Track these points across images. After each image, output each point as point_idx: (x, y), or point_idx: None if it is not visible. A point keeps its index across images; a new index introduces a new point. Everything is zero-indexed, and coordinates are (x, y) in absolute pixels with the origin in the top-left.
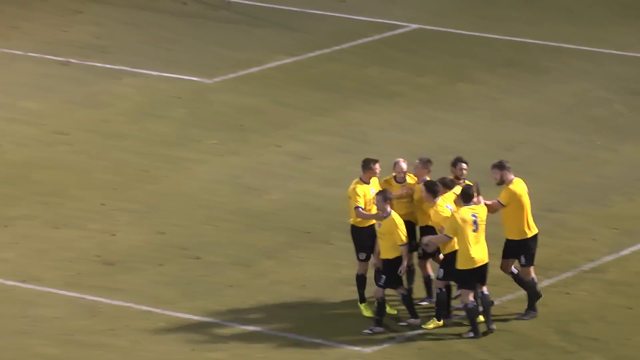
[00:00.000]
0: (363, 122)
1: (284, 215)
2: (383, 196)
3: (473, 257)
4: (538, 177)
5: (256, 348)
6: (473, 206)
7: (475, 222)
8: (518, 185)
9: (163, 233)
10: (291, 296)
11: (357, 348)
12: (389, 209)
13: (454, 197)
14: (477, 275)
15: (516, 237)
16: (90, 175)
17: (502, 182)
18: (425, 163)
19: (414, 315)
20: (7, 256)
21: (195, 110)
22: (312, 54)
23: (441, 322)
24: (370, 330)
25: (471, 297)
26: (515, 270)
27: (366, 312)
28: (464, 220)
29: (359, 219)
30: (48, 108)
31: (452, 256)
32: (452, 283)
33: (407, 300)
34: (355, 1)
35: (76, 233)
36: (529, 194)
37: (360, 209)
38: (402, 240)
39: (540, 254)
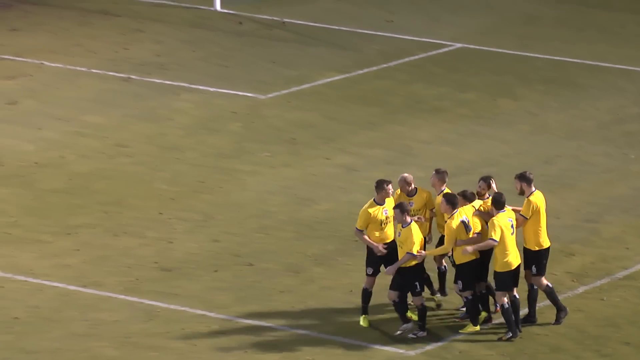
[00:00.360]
0: (408, 136)
1: (332, 224)
2: (400, 209)
3: (511, 260)
4: (574, 188)
5: (305, 350)
6: (507, 212)
7: (512, 226)
8: (538, 198)
9: (218, 241)
10: (339, 301)
11: (401, 350)
12: (408, 219)
13: (472, 210)
14: (514, 278)
15: (532, 248)
16: (149, 186)
17: (523, 192)
18: (441, 174)
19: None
20: (70, 262)
21: (250, 124)
22: (361, 71)
23: (477, 327)
24: (415, 334)
25: (506, 299)
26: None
27: (364, 323)
28: (504, 226)
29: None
30: (110, 122)
31: (465, 267)
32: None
33: (422, 311)
34: (403, 21)
35: (135, 241)
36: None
37: (357, 230)
38: (413, 249)
39: (576, 262)
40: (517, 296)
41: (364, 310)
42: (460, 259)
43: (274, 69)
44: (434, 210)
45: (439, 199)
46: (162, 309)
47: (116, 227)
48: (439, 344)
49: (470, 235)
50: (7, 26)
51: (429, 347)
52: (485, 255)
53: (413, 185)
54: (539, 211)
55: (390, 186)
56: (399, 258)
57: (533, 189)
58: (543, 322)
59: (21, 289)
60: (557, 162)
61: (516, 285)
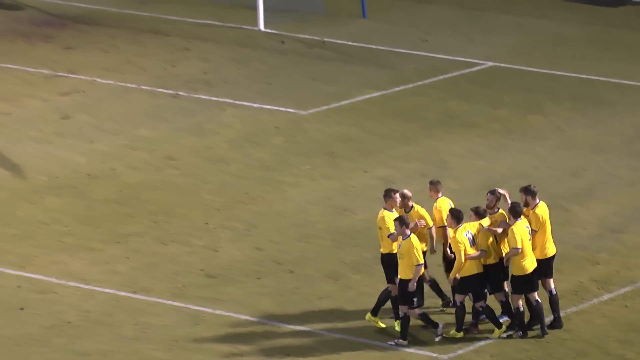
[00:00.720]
0: (443, 150)
1: (370, 233)
2: (400, 221)
3: (527, 265)
4: (600, 200)
5: (343, 354)
6: (523, 220)
7: (529, 232)
8: (542, 209)
9: (261, 249)
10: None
11: (434, 354)
12: (407, 232)
13: (477, 226)
14: (531, 282)
15: (539, 256)
16: (196, 196)
17: (527, 204)
18: (435, 184)
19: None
20: (120, 269)
21: (292, 138)
22: (397, 88)
23: (502, 329)
24: (395, 342)
25: (521, 302)
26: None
27: (398, 327)
28: (522, 232)
29: (393, 247)
30: (159, 135)
31: (469, 279)
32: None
33: (424, 317)
34: (437, 41)
35: (182, 249)
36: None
37: (393, 235)
38: (418, 261)
39: (601, 270)
40: (539, 300)
41: (397, 315)
42: (466, 272)
43: (315, 86)
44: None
45: (434, 207)
46: (208, 313)
47: (164, 235)
48: (471, 347)
49: (475, 252)
50: (62, 45)
51: (461, 351)
52: (499, 266)
53: (411, 203)
54: (544, 222)
55: (397, 195)
56: (399, 269)
57: (537, 201)
58: (570, 327)
59: (74, 295)
60: (584, 174)
61: (536, 289)
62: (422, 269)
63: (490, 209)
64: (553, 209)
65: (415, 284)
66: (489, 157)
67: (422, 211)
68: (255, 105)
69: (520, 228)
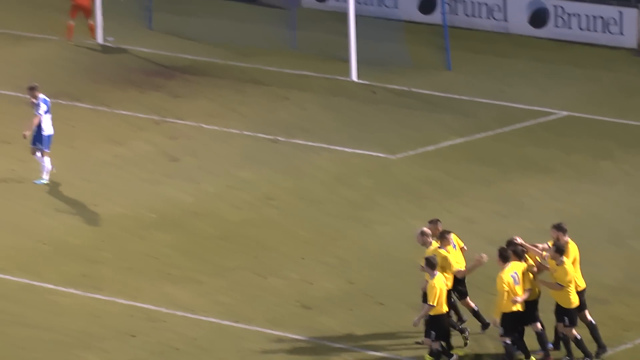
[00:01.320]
0: (520, 193)
1: None
2: (427, 261)
3: (575, 299)
4: None
5: None
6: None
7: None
8: (572, 246)
9: (353, 282)
10: (458, 335)
11: None
12: (435, 272)
13: (523, 267)
14: (577, 312)
15: None
16: (293, 233)
17: (558, 240)
18: (434, 223)
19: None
20: (223, 300)
21: (381, 181)
22: (478, 135)
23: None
24: None
25: (575, 332)
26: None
27: (461, 352)
28: (570, 269)
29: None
30: (259, 177)
31: (510, 316)
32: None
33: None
34: (515, 91)
35: (280, 281)
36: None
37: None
38: (430, 301)
39: None
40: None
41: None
42: (506, 308)
43: (403, 132)
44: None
45: (434, 245)
46: (304, 341)
47: (264, 269)
48: None
49: (522, 292)
50: (171, 93)
51: None
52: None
53: (430, 239)
54: (575, 259)
55: (451, 236)
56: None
57: (567, 238)
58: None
59: (181, 323)
60: None
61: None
62: (430, 310)
63: (535, 246)
64: (621, 248)
65: (420, 320)
66: (563, 199)
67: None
68: (347, 149)
69: (569, 263)
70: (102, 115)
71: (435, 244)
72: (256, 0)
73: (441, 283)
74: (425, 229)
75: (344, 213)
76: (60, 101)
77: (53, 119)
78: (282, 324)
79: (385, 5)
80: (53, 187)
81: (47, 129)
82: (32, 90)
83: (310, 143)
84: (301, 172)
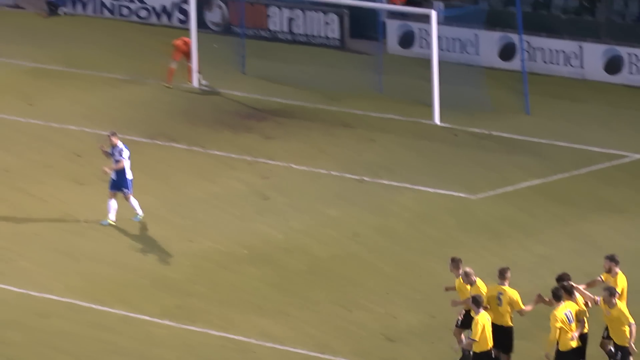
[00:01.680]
0: (595, 232)
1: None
2: (473, 299)
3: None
4: None
5: None
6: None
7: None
8: (622, 278)
9: (434, 316)
10: None
11: None
12: (480, 309)
13: (575, 307)
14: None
15: None
16: (378, 269)
17: (609, 271)
18: (455, 262)
19: None
20: (311, 332)
21: (462, 219)
22: (555, 177)
23: None
24: None
25: None
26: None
27: None
28: (625, 309)
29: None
30: (346, 215)
31: (569, 353)
32: None
33: None
34: (590, 135)
35: (366, 315)
36: None
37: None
38: (474, 336)
39: None
40: None
41: None
42: (564, 346)
43: (483, 173)
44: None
45: (479, 283)
46: None
47: (350, 303)
48: None
49: (576, 329)
50: (263, 135)
51: None
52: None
53: (473, 277)
54: (623, 291)
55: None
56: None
57: (618, 269)
58: None
59: (271, 354)
60: None
61: None
62: (472, 344)
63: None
64: None
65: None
66: (637, 238)
67: (483, 288)
68: (430, 189)
69: (623, 305)
70: (197, 155)
71: (480, 281)
72: (344, 46)
73: (485, 320)
74: (469, 269)
75: (427, 250)
76: (157, 142)
77: (151, 159)
78: (367, 355)
79: (467, 52)
80: (149, 223)
81: (129, 173)
82: (112, 136)
83: (395, 183)
84: (386, 210)
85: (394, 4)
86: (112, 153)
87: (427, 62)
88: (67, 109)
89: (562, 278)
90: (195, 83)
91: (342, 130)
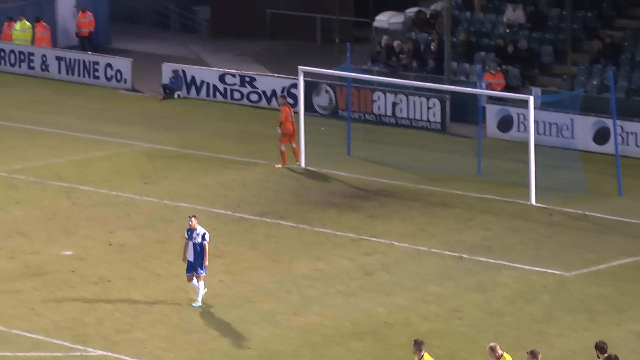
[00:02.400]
0: None
1: None
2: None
3: None
4: None
5: None
6: None
7: None
8: None
9: None
10: None
11: None
12: None
13: None
14: None
15: None
16: (477, 343)
17: None
18: (417, 345)
19: None
20: None
21: (557, 296)
22: None
23: None
24: None
25: None
26: None
27: None
28: None
29: None
30: (446, 291)
31: None
32: None
33: None
34: None
35: None
36: None
37: None
38: None
39: None
40: None
41: None
42: None
43: (578, 252)
44: None
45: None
46: None
47: None
48: None
49: None
50: (366, 213)
51: None
52: None
53: (499, 351)
54: None
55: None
56: None
57: None
58: None
59: None
60: None
61: None
62: None
63: None
64: None
65: None
66: None
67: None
68: (526, 267)
69: None
70: (303, 232)
71: (507, 355)
72: (445, 130)
73: None
74: (494, 344)
75: (524, 325)
76: (266, 219)
77: (260, 235)
78: None
79: (563, 136)
80: (257, 297)
81: (207, 258)
82: (191, 219)
83: (492, 260)
84: (484, 287)
85: (494, 89)
86: (188, 237)
87: (525, 145)
88: (181, 187)
89: (599, 347)
90: (302, 164)
91: (442, 210)
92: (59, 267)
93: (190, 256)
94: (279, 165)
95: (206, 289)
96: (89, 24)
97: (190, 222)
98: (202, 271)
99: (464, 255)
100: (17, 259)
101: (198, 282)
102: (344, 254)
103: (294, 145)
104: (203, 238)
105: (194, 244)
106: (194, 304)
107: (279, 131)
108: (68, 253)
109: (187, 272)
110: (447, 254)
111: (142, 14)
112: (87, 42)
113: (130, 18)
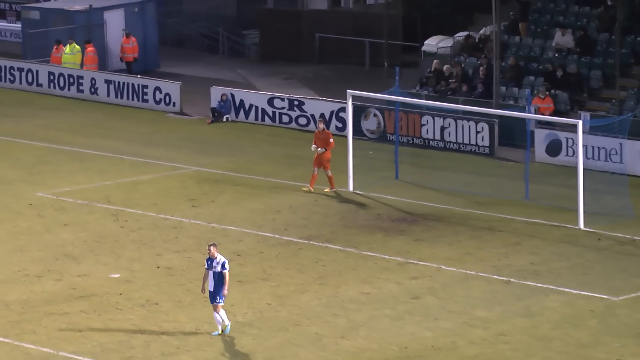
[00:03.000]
0: None
1: None
2: None
3: None
4: None
5: None
6: None
7: None
8: None
9: None
10: None
11: None
12: None
13: None
14: None
15: None
16: None
17: None
18: None
19: None
20: None
21: (604, 321)
22: None
23: None
24: None
25: None
26: None
27: None
28: None
29: None
30: (493, 316)
31: None
32: None
33: None
34: None
35: None
36: None
37: None
38: None
39: None
40: None
41: None
42: None
43: (625, 277)
44: None
45: None
46: None
47: None
48: None
49: None
50: (413, 237)
51: None
52: None
53: None
54: None
55: None
56: None
57: None
58: None
59: None
60: None
61: None
62: None
63: None
64: None
65: None
66: None
67: None
68: (574, 291)
69: None
70: (351, 256)
71: None
72: (493, 154)
73: None
74: None
75: (571, 350)
76: (313, 242)
77: (307, 259)
78: None
79: (611, 160)
80: (304, 321)
81: (227, 287)
82: (211, 247)
83: (540, 285)
84: (531, 311)
85: (542, 114)
86: (208, 266)
87: (573, 169)
88: (228, 211)
89: None
90: (350, 187)
91: (489, 234)
92: (107, 290)
93: (211, 286)
94: (327, 190)
95: (229, 323)
96: (133, 50)
97: (209, 251)
98: (221, 300)
99: (512, 280)
100: (64, 281)
101: (217, 311)
102: (391, 278)
103: (329, 173)
104: (223, 267)
105: (214, 273)
106: (213, 333)
107: (320, 151)
108: (116, 276)
109: (212, 301)
110: (494, 278)
111: (191, 38)
112: (131, 67)
113: (180, 42)
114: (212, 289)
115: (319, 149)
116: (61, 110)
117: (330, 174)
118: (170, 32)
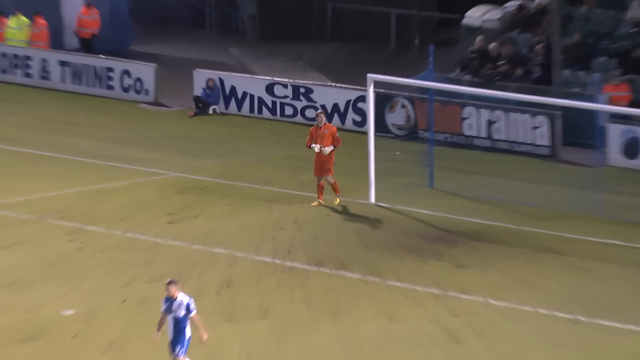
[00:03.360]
0: None
1: None
2: None
3: None
4: None
5: None
6: None
7: None
8: None
9: None
10: None
11: None
12: None
13: None
14: None
15: None
16: None
17: None
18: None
19: None
20: None
21: None
22: None
23: None
24: None
25: None
26: None
27: None
28: None
29: None
30: None
31: None
32: None
33: None
34: None
35: None
36: None
37: None
38: None
39: None
40: None
41: None
42: None
43: None
44: None
45: None
46: None
47: None
48: None
49: None
50: (454, 262)
51: None
52: None
53: None
54: None
55: None
56: None
57: None
58: None
59: None
60: None
61: None
62: None
63: None
64: None
65: None
66: None
67: None
68: None
69: None
70: (372, 286)
71: None
72: (555, 156)
73: None
74: None
75: None
76: (325, 269)
77: (317, 290)
78: None
79: None
80: None
81: (189, 331)
82: (170, 286)
83: (616, 324)
84: (605, 357)
85: (616, 104)
86: (167, 308)
87: None
88: (216, 228)
89: None
90: (372, 198)
91: (551, 259)
92: (59, 331)
93: (170, 333)
94: (337, 200)
95: None
96: (93, 24)
97: (168, 290)
98: (182, 351)
99: (580, 317)
100: (7, 318)
101: None
102: (425, 314)
103: (332, 178)
104: (188, 309)
105: (175, 319)
106: None
107: (327, 151)
108: (69, 312)
109: (171, 352)
110: (557, 315)
111: (172, 8)
112: (88, 46)
113: (157, 14)
114: (171, 337)
115: (324, 148)
116: (4, 101)
117: (333, 180)
118: (145, 2)
